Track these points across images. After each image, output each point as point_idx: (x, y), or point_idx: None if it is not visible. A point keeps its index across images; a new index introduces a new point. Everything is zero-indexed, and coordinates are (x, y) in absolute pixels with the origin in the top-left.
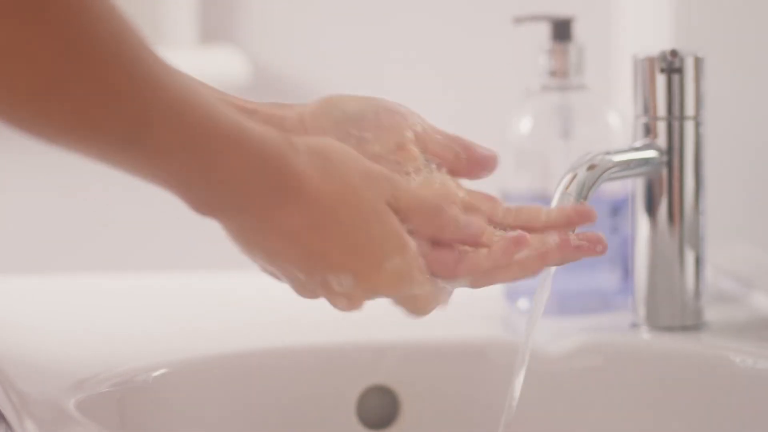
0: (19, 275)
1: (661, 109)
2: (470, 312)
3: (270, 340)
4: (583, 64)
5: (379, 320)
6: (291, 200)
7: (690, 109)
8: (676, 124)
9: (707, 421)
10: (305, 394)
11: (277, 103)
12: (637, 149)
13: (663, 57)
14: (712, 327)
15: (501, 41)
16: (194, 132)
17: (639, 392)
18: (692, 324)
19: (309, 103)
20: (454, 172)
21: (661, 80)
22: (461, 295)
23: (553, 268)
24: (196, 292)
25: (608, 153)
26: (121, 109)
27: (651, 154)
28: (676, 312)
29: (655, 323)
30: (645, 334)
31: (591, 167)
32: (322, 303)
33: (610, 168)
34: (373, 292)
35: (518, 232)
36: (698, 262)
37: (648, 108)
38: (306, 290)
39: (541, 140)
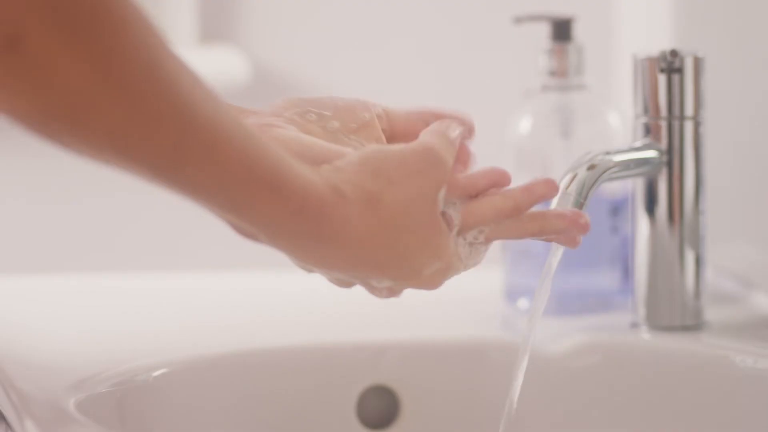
0: (19, 275)
1: (661, 109)
2: (470, 312)
3: (270, 339)
4: (583, 64)
5: (379, 320)
6: (330, 245)
7: (690, 109)
8: (676, 124)
9: (707, 420)
10: (305, 393)
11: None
12: (637, 149)
13: (663, 57)
14: (712, 327)
15: (501, 41)
16: (229, 173)
17: (639, 392)
18: (692, 324)
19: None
20: None
21: (661, 80)
22: (461, 295)
23: (554, 269)
24: (196, 292)
25: (608, 153)
26: (156, 141)
27: (651, 154)
28: (676, 312)
29: (655, 323)
30: (645, 334)
31: (591, 167)
32: (321, 303)
33: (610, 168)
34: (413, 288)
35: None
36: (698, 261)
37: (648, 108)
38: (343, 284)
39: (541, 140)
